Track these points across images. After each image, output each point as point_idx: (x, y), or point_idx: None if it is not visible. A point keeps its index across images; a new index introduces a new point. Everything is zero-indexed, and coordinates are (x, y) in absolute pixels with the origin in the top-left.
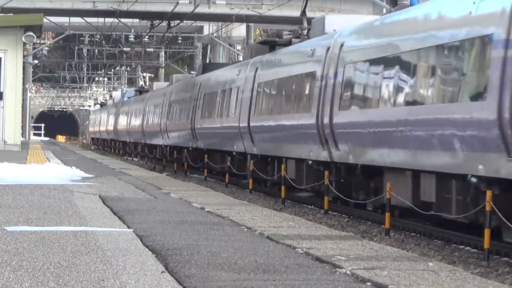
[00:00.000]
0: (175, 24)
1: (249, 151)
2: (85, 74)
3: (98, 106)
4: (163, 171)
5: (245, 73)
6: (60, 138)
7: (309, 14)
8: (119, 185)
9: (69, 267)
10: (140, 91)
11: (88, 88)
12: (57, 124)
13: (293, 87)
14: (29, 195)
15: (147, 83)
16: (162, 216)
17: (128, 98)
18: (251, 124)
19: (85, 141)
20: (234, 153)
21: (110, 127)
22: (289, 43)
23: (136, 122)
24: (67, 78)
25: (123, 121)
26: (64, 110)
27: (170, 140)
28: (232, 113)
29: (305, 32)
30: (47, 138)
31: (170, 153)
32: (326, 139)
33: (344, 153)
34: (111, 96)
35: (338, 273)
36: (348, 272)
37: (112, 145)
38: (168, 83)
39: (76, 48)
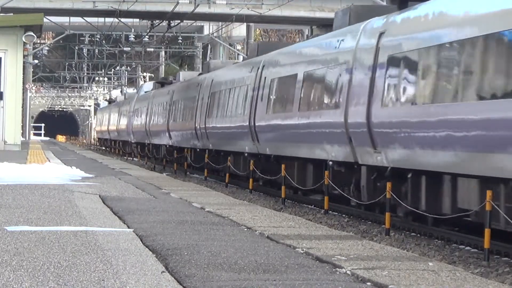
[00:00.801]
0: (175, 24)
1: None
2: (85, 74)
3: (105, 103)
4: (163, 171)
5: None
6: (60, 138)
7: (309, 14)
8: (119, 185)
9: (69, 267)
10: (163, 83)
11: (88, 88)
12: (57, 124)
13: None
14: (29, 195)
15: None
16: (162, 216)
17: (146, 92)
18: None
19: (85, 141)
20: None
21: (123, 126)
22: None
23: (158, 120)
24: (67, 78)
25: (140, 119)
26: (64, 110)
27: (210, 141)
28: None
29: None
30: (47, 138)
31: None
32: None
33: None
34: (109, 96)
35: (338, 273)
36: (348, 272)
37: (126, 148)
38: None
39: (76, 48)
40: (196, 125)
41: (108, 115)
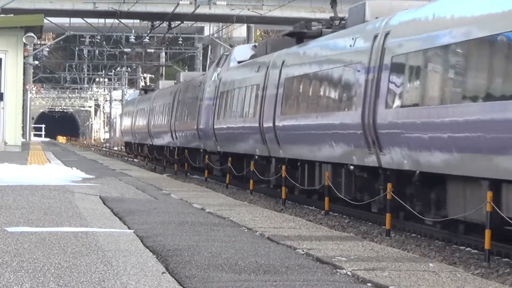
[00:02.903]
0: (176, 24)
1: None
2: (85, 75)
3: (134, 94)
4: (163, 172)
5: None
6: (61, 139)
7: (309, 14)
8: (120, 186)
9: (70, 268)
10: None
11: (89, 89)
12: (58, 125)
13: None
14: (29, 196)
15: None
16: (162, 217)
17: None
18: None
19: (85, 142)
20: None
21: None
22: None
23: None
24: (68, 79)
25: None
26: (65, 111)
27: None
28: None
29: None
30: (47, 139)
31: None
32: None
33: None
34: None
35: (338, 273)
36: (348, 273)
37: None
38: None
39: (77, 49)
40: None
41: (143, 111)
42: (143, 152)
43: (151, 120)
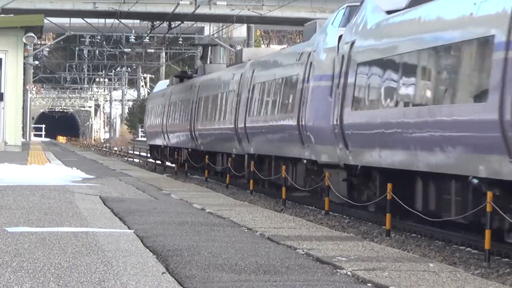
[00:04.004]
0: (176, 25)
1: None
2: (85, 75)
3: (163, 84)
4: (164, 172)
5: None
6: (61, 139)
7: (309, 15)
8: (120, 186)
9: (70, 268)
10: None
11: (89, 89)
12: (58, 125)
13: None
14: (29, 196)
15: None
16: (162, 217)
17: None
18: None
19: (85, 142)
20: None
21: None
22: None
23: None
24: (68, 79)
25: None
26: (65, 111)
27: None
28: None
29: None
30: (47, 139)
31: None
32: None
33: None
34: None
35: (338, 274)
36: (348, 273)
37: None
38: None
39: (77, 49)
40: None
41: (191, 102)
42: (180, 158)
43: (195, 116)
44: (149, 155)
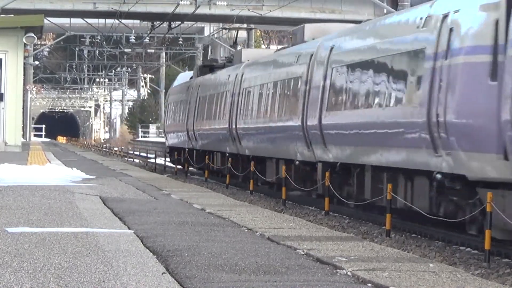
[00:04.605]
0: (176, 25)
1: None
2: (85, 75)
3: (185, 76)
4: (164, 172)
5: None
6: (61, 139)
7: (309, 15)
8: (120, 186)
9: (70, 268)
10: None
11: (89, 89)
12: (58, 125)
13: None
14: (29, 196)
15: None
16: (163, 217)
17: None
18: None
19: (85, 142)
20: None
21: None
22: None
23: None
24: (68, 79)
25: None
26: (65, 111)
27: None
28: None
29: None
30: (47, 139)
31: None
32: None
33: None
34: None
35: (338, 274)
36: (348, 273)
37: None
38: None
39: (77, 49)
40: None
41: (231, 94)
42: (214, 164)
43: (238, 112)
44: (150, 155)
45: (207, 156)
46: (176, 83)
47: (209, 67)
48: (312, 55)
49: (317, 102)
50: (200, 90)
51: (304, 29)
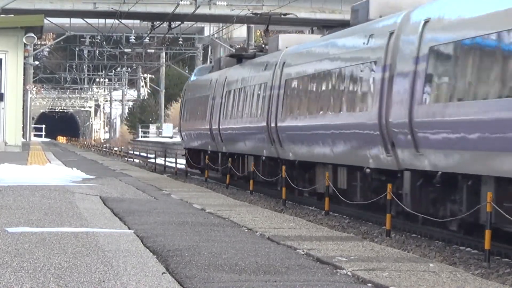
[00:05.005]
0: (176, 25)
1: None
2: (85, 75)
3: (206, 68)
4: (164, 172)
5: None
6: (61, 139)
7: (309, 15)
8: (120, 186)
9: (70, 268)
10: None
11: (89, 89)
12: (58, 125)
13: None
14: (30, 196)
15: None
16: (163, 217)
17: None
18: None
19: (85, 142)
20: None
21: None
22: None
23: None
24: (68, 79)
25: None
26: (65, 111)
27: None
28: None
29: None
30: (47, 139)
31: None
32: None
33: None
34: None
35: (339, 274)
36: (349, 273)
37: None
38: None
39: (77, 49)
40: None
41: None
42: (245, 169)
43: (280, 108)
44: (150, 155)
45: (234, 160)
46: (194, 77)
47: (237, 57)
48: (392, 34)
49: (406, 93)
50: (227, 83)
51: (369, 4)
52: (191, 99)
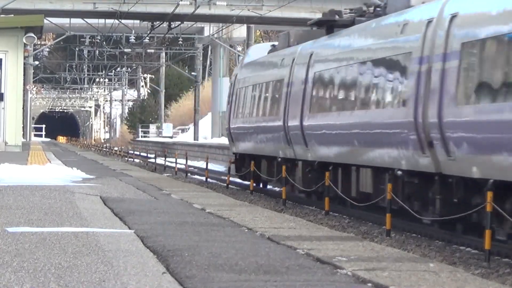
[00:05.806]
0: (176, 25)
1: None
2: (85, 75)
3: (261, 50)
4: (164, 172)
5: None
6: (61, 139)
7: (309, 15)
8: (120, 186)
9: (70, 268)
10: None
11: (89, 89)
12: (58, 125)
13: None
14: (30, 196)
15: None
16: (163, 217)
17: None
18: None
19: (85, 142)
20: None
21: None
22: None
23: None
24: (68, 79)
25: None
26: (65, 111)
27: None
28: None
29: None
30: (48, 139)
31: None
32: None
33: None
34: None
35: (339, 274)
36: (349, 273)
37: None
38: None
39: (77, 49)
40: None
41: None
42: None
43: (440, 94)
44: (150, 155)
45: (333, 173)
46: (248, 58)
47: (326, 26)
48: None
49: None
50: (314, 63)
51: None
52: (246, 87)
